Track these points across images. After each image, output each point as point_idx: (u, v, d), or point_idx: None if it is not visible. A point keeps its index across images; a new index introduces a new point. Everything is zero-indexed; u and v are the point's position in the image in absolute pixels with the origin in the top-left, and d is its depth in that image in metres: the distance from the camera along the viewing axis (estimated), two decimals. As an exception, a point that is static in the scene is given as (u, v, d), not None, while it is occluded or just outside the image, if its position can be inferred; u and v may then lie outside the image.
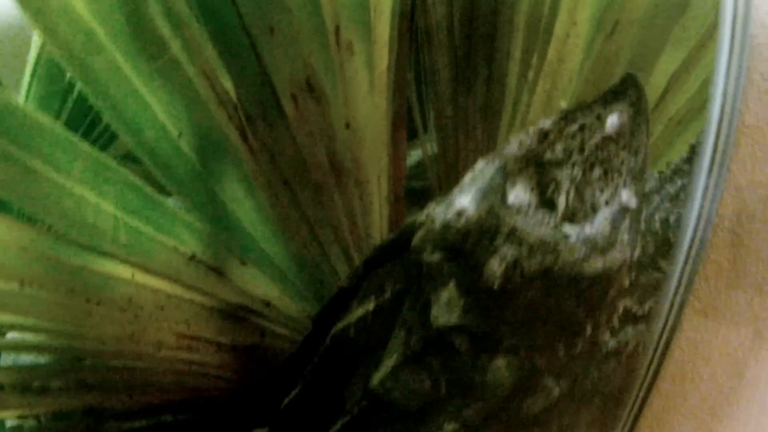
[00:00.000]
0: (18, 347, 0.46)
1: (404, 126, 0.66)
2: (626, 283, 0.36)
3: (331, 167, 0.58)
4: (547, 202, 0.32)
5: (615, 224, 0.32)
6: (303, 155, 0.55)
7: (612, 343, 0.39)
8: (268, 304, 0.58)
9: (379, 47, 0.55)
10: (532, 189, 0.32)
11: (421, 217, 0.44)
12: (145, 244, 0.45)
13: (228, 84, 0.49)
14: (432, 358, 0.38)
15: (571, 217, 0.31)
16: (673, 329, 0.45)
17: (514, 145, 0.32)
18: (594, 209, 0.31)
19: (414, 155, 0.81)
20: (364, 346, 0.43)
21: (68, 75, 0.37)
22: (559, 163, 0.32)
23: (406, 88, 0.62)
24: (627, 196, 0.32)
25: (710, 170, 0.42)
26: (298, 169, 0.55)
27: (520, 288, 0.30)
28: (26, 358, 0.50)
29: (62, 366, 0.49)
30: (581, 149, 0.32)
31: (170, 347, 0.53)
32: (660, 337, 0.44)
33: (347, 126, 0.56)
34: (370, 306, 0.42)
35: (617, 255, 0.33)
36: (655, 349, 0.45)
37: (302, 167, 0.55)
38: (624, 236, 0.33)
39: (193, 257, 0.50)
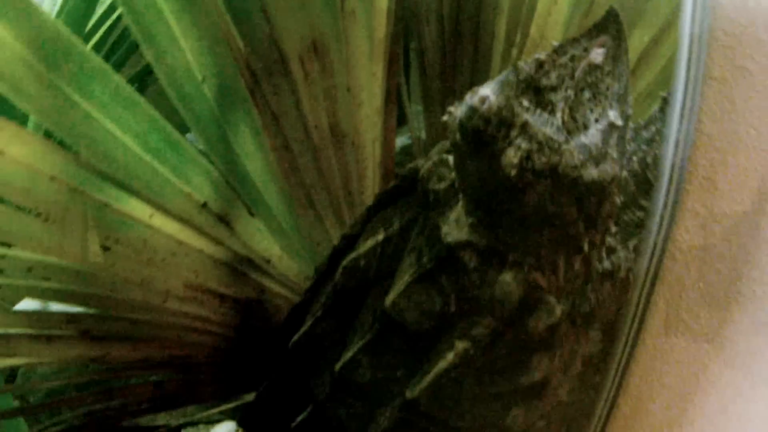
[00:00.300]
0: (30, 291, 0.47)
1: (395, 99, 0.70)
2: (617, 200, 0.41)
3: (331, 131, 0.61)
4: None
5: (605, 138, 0.36)
6: (305, 117, 0.58)
7: (606, 264, 0.44)
8: (268, 261, 0.60)
9: (379, 16, 0.59)
10: (530, 110, 0.36)
11: (420, 161, 0.48)
12: (163, 185, 0.47)
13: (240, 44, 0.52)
14: (442, 277, 0.42)
15: (567, 132, 0.36)
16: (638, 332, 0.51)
17: (514, 71, 0.36)
18: (586, 126, 0.36)
19: (398, 141, 0.86)
20: (375, 276, 0.46)
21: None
22: (553, 88, 0.37)
23: (399, 60, 0.67)
24: (614, 115, 0.37)
25: (681, 117, 0.48)
26: (300, 132, 0.58)
27: (531, 185, 0.34)
28: (35, 306, 0.50)
29: (70, 315, 0.50)
30: (572, 76, 0.37)
31: (177, 297, 0.55)
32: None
33: (348, 89, 0.60)
34: (380, 237, 0.45)
35: (608, 168, 0.37)
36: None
37: (303, 129, 0.59)
38: (613, 152, 0.37)
39: (204, 205, 0.53)
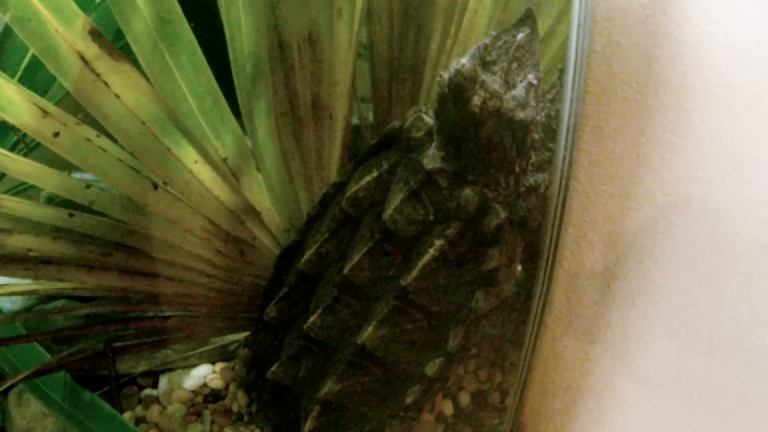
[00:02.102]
0: (80, 216, 0.58)
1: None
2: (535, 136, 0.62)
3: (313, 104, 0.79)
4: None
5: (527, 92, 0.58)
6: (293, 95, 0.75)
7: (530, 181, 0.65)
8: (259, 213, 0.76)
9: (357, 13, 0.78)
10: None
11: (396, 123, 0.67)
12: (206, 138, 0.62)
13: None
14: (424, 194, 0.61)
15: (506, 88, 0.58)
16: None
17: (477, 49, 0.57)
18: (515, 85, 0.58)
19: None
20: (370, 204, 0.64)
21: None
22: (494, 62, 0.58)
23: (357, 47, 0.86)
24: (532, 77, 0.59)
25: (573, 81, 0.72)
26: (288, 107, 0.75)
27: (485, 121, 0.54)
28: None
29: (109, 248, 0.62)
30: (506, 53, 0.59)
31: (196, 237, 0.69)
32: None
33: (330, 72, 0.78)
34: (374, 174, 0.63)
35: (530, 112, 0.59)
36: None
37: (290, 105, 0.75)
38: (531, 101, 0.59)
39: (225, 159, 0.67)
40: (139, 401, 0.83)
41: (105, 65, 0.48)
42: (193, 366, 0.88)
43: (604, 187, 0.75)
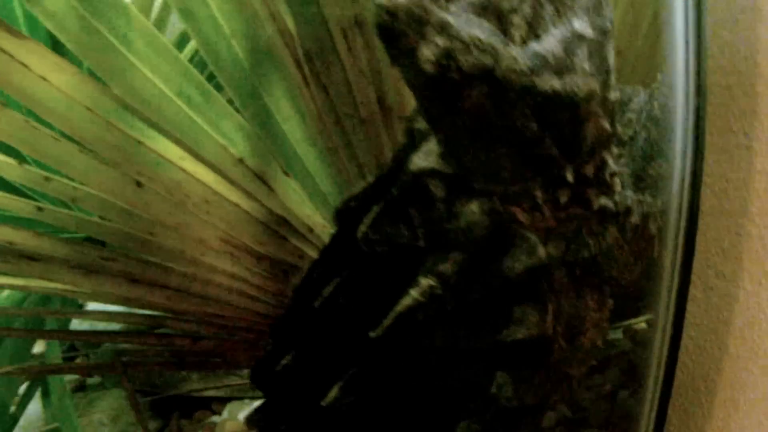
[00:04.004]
0: (72, 223, 0.56)
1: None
2: (605, 125, 0.36)
3: (379, 105, 0.64)
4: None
5: (568, 48, 0.33)
6: (354, 93, 0.62)
7: (608, 204, 0.38)
8: (311, 230, 0.64)
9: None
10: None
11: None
12: (195, 132, 0.54)
13: (289, 20, 0.58)
14: (410, 208, 0.41)
15: (521, 42, 0.34)
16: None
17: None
18: (540, 36, 0.33)
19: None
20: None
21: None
22: (514, 10, 0.35)
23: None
24: (580, 25, 0.34)
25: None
26: (349, 106, 0.62)
27: (463, 85, 0.32)
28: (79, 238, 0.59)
29: (107, 252, 0.58)
30: None
31: (213, 250, 0.61)
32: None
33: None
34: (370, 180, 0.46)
35: (579, 81, 0.33)
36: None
37: (353, 104, 0.62)
38: (584, 64, 0.34)
39: (241, 160, 0.58)
40: (202, 427, 0.78)
41: (12, 44, 0.44)
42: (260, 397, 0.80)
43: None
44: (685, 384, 0.53)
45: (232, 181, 0.59)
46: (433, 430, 0.44)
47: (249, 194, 0.60)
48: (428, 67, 0.31)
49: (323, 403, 0.45)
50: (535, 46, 0.33)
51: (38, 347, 0.86)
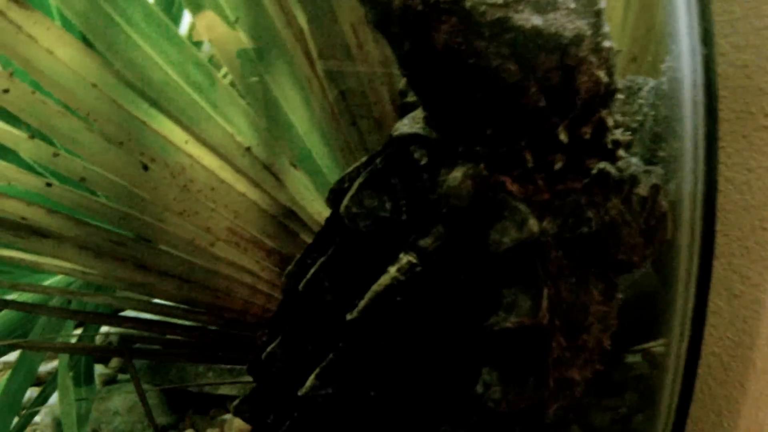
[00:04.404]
0: (82, 203, 0.55)
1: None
2: (601, 76, 0.30)
3: (393, 104, 0.61)
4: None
5: None
6: (367, 93, 0.59)
7: (610, 169, 0.32)
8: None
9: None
10: None
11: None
12: (200, 116, 0.52)
13: (298, 10, 0.57)
14: (393, 178, 0.36)
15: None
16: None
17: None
18: None
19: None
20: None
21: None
22: None
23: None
24: None
25: None
26: (363, 106, 0.60)
27: (429, 17, 0.28)
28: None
29: (117, 236, 0.57)
30: None
31: (221, 239, 0.58)
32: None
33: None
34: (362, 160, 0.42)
35: (564, 21, 0.28)
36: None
37: (366, 103, 0.60)
38: (570, 3, 0.29)
39: (248, 149, 0.56)
40: (214, 424, 0.75)
41: (20, 15, 0.43)
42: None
43: None
44: (707, 406, 0.45)
45: (238, 170, 0.56)
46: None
47: (256, 184, 0.57)
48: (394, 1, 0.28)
49: (300, 393, 0.40)
50: None
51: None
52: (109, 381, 0.86)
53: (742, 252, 0.43)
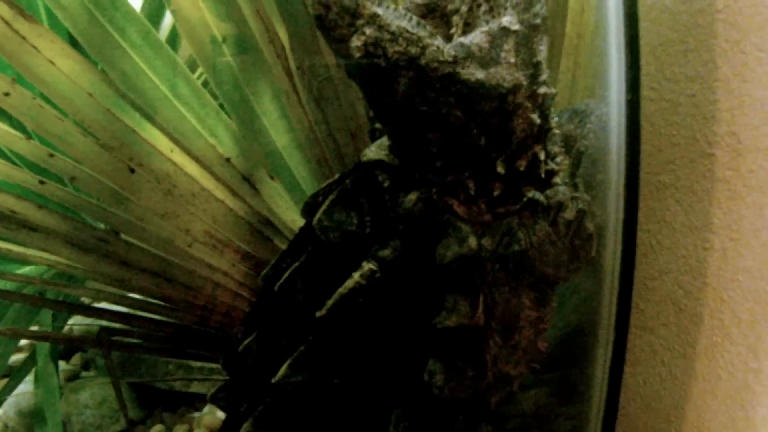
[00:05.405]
0: (71, 201, 0.62)
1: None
2: (534, 118, 0.38)
3: (368, 116, 0.69)
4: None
5: (494, 41, 0.36)
6: (344, 107, 0.67)
7: (538, 197, 0.40)
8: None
9: None
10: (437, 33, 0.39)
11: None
12: (185, 128, 0.60)
13: (281, 29, 0.64)
14: (360, 197, 0.44)
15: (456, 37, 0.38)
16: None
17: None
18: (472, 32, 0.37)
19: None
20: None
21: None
22: (455, 10, 0.39)
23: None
24: (508, 20, 0.37)
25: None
26: (339, 119, 0.67)
27: (390, 72, 0.36)
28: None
29: (104, 234, 0.64)
30: None
31: (199, 242, 0.65)
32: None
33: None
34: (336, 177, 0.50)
35: (504, 73, 0.36)
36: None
37: (342, 116, 0.67)
38: (510, 58, 0.37)
39: (228, 160, 0.64)
40: (183, 421, 0.81)
41: (25, 27, 0.50)
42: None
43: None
44: (660, 415, 0.53)
45: (218, 178, 0.64)
46: (372, 414, 0.46)
47: (234, 193, 0.64)
48: (357, 54, 0.35)
49: (273, 381, 0.48)
50: (462, 39, 0.37)
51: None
52: (72, 378, 0.91)
53: (686, 269, 0.52)
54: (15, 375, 0.76)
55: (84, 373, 0.94)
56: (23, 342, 0.87)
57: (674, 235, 0.53)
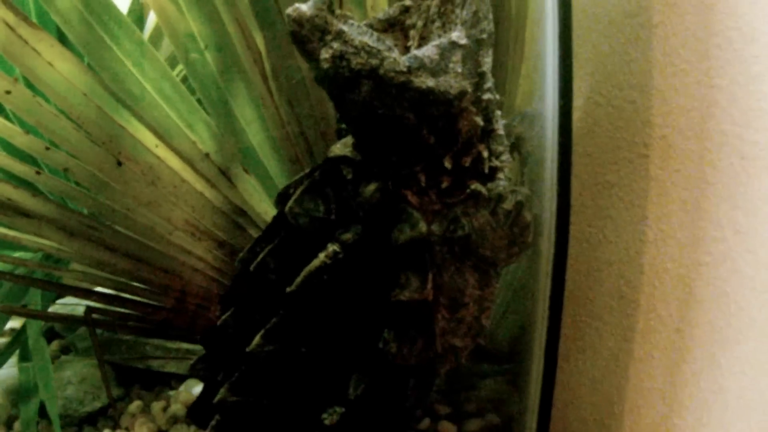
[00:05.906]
0: (64, 190, 0.68)
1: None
2: (478, 121, 0.46)
3: (337, 117, 0.76)
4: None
5: (444, 53, 0.43)
6: (315, 108, 0.74)
7: (480, 189, 0.48)
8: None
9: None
10: (396, 45, 0.46)
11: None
12: (170, 125, 0.66)
13: (258, 36, 0.71)
14: (328, 188, 0.51)
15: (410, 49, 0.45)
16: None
17: (380, 14, 0.47)
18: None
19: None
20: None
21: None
22: (412, 25, 0.46)
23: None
24: (457, 35, 0.44)
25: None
26: (310, 119, 0.74)
27: (353, 80, 0.43)
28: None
29: (92, 221, 0.70)
30: (428, 13, 0.46)
31: (179, 229, 0.72)
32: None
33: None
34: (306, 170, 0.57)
35: (452, 82, 0.44)
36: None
37: (313, 116, 0.74)
38: (458, 68, 0.44)
39: (207, 155, 0.70)
40: (159, 398, 0.87)
41: (27, 32, 0.56)
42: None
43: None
44: (605, 396, 0.59)
45: (198, 172, 0.70)
46: (334, 379, 0.53)
47: (213, 185, 0.71)
48: (325, 65, 0.43)
49: (248, 350, 0.54)
50: (416, 51, 0.44)
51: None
52: (54, 358, 0.96)
53: (627, 260, 0.59)
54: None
55: (64, 357, 0.99)
56: (6, 327, 0.92)
57: (617, 229, 0.61)
